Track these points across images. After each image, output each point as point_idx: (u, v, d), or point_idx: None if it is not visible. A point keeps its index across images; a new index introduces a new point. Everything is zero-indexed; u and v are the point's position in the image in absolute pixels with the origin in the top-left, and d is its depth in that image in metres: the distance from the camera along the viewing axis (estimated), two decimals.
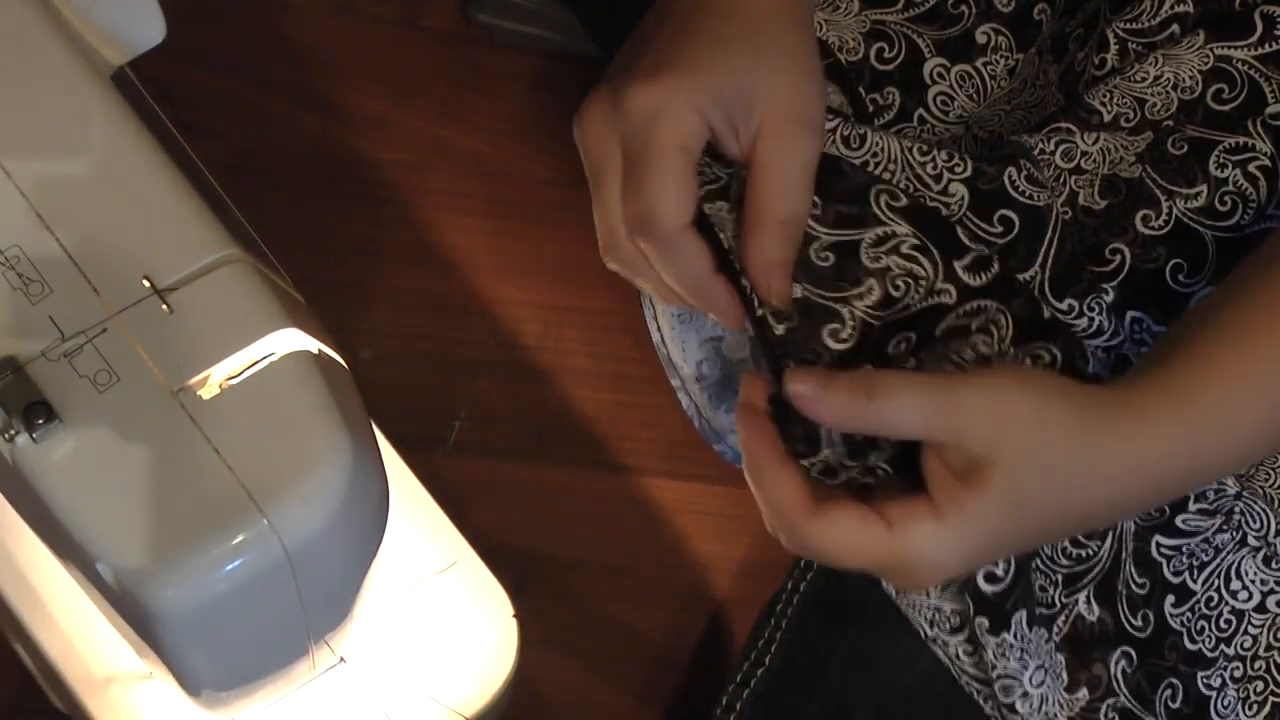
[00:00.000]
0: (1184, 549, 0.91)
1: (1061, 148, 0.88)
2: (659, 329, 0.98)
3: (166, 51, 0.96)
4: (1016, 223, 0.87)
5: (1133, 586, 0.90)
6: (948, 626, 0.92)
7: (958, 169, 0.88)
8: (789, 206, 0.83)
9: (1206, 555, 0.91)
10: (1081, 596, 0.89)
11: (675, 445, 1.26)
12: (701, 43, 0.83)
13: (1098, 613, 0.90)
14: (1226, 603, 0.91)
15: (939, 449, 0.80)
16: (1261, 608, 0.92)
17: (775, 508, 0.82)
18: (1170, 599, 0.91)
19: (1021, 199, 0.87)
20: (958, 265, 0.85)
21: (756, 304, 0.84)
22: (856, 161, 0.87)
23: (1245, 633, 0.92)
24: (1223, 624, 0.92)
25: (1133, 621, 0.90)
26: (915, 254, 0.85)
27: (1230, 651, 0.92)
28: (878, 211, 0.86)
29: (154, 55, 0.94)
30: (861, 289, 0.84)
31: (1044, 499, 0.80)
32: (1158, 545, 0.91)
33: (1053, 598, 0.90)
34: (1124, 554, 0.90)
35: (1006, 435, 0.79)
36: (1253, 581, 0.91)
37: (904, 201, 0.86)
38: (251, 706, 0.93)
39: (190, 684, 0.88)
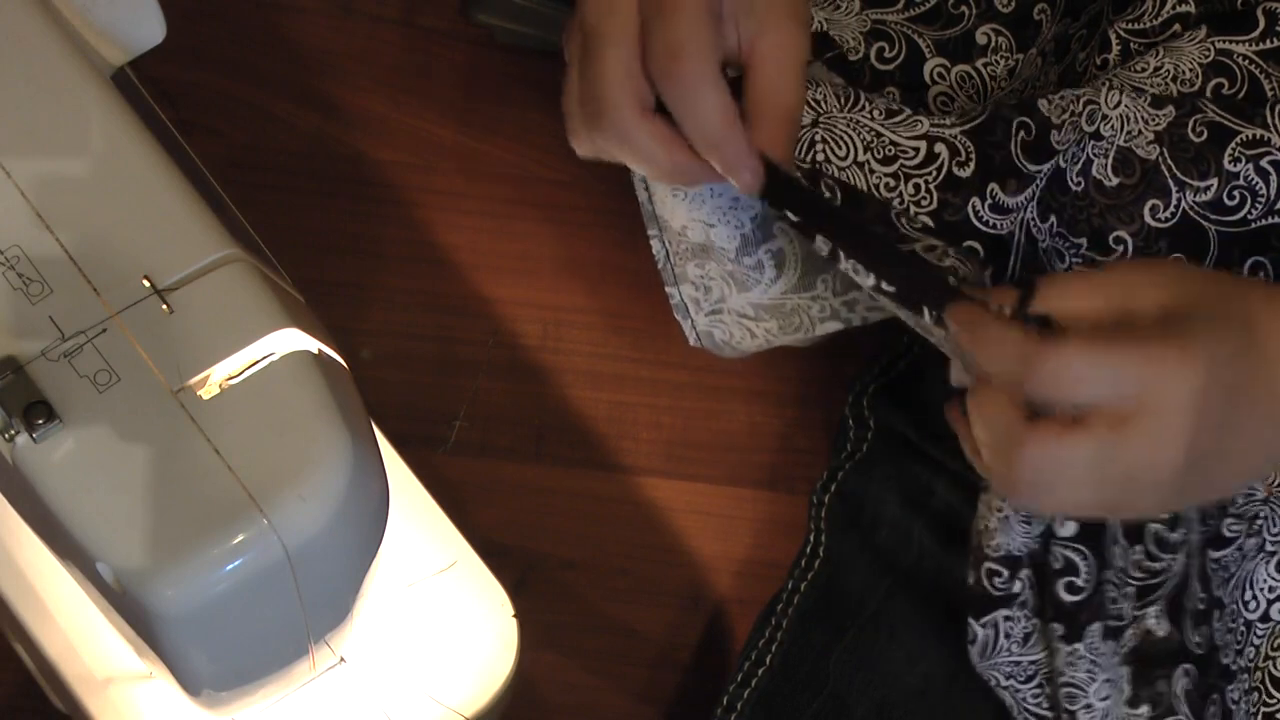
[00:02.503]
0: (1222, 560, 0.90)
1: (1088, 109, 0.88)
2: (646, 189, 0.95)
3: (166, 51, 0.96)
4: (981, 252, 0.87)
5: (1197, 602, 0.90)
6: (1023, 676, 0.92)
7: (923, 202, 0.88)
8: (790, 97, 0.83)
9: (1235, 566, 0.91)
10: (1152, 610, 0.89)
11: (675, 445, 1.26)
12: None
13: (1167, 628, 0.89)
14: (1241, 615, 0.91)
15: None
16: (1265, 617, 0.91)
17: (993, 423, 0.80)
18: (1216, 614, 0.90)
19: (984, 229, 0.88)
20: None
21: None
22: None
23: (1251, 644, 0.92)
24: (1238, 637, 0.92)
25: (1194, 639, 0.90)
26: (962, 258, 0.87)
27: (1242, 663, 0.92)
28: (908, 232, 0.87)
29: (154, 55, 0.94)
30: (946, 266, 0.86)
31: (1240, 345, 0.78)
32: (1210, 559, 0.90)
33: (1123, 610, 0.89)
34: (1192, 569, 0.90)
35: (1184, 291, 0.78)
36: (1262, 589, 0.91)
37: (920, 224, 0.87)
38: (251, 706, 0.93)
39: (190, 684, 0.88)
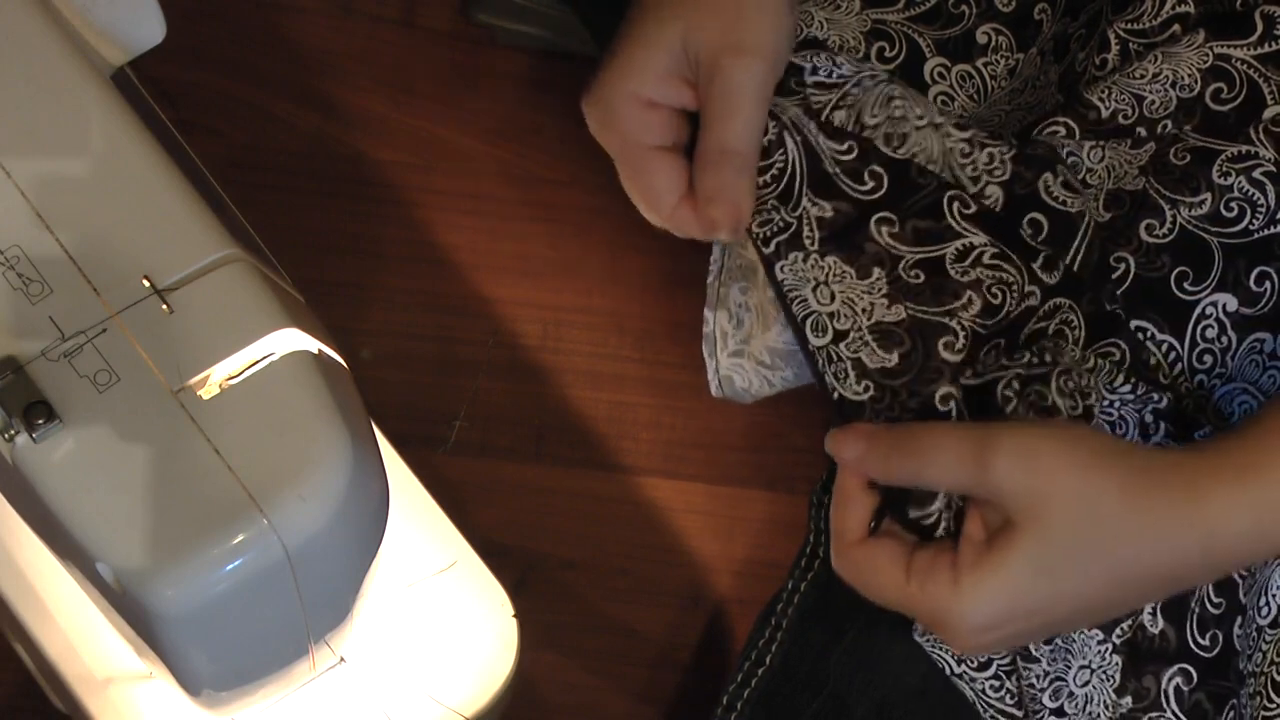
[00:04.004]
0: (1253, 568, 0.90)
1: (1070, 160, 0.88)
2: None
3: (166, 51, 0.96)
4: (1045, 227, 0.87)
5: (1207, 606, 0.89)
6: (974, 664, 0.92)
7: (996, 172, 0.88)
8: (725, 136, 0.86)
9: (1261, 573, 0.90)
10: (1149, 608, 0.89)
11: (675, 445, 1.26)
12: (635, 26, 0.87)
13: (1161, 626, 0.89)
14: (1255, 621, 0.91)
15: (980, 505, 0.81)
16: (1275, 623, 0.91)
17: (835, 527, 0.84)
18: (1238, 620, 0.90)
19: (1054, 204, 0.87)
20: (1035, 266, 0.86)
21: (860, 340, 0.85)
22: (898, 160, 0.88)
23: (1259, 649, 0.91)
24: (1249, 642, 0.91)
25: (1200, 641, 0.89)
26: (998, 262, 0.86)
27: (1250, 668, 0.92)
28: (952, 223, 0.87)
29: (154, 55, 0.94)
30: (962, 301, 0.85)
31: (1082, 569, 0.79)
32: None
33: None
34: None
35: (1038, 502, 0.79)
36: (1275, 595, 0.90)
37: (974, 209, 0.87)
38: (251, 706, 0.93)
39: (190, 684, 0.88)
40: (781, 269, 0.87)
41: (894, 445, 0.82)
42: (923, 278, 0.86)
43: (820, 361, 0.87)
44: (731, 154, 0.86)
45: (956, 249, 0.87)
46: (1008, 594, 0.80)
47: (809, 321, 0.87)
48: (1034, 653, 0.90)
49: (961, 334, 0.86)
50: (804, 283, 0.87)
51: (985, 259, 0.87)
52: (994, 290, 0.86)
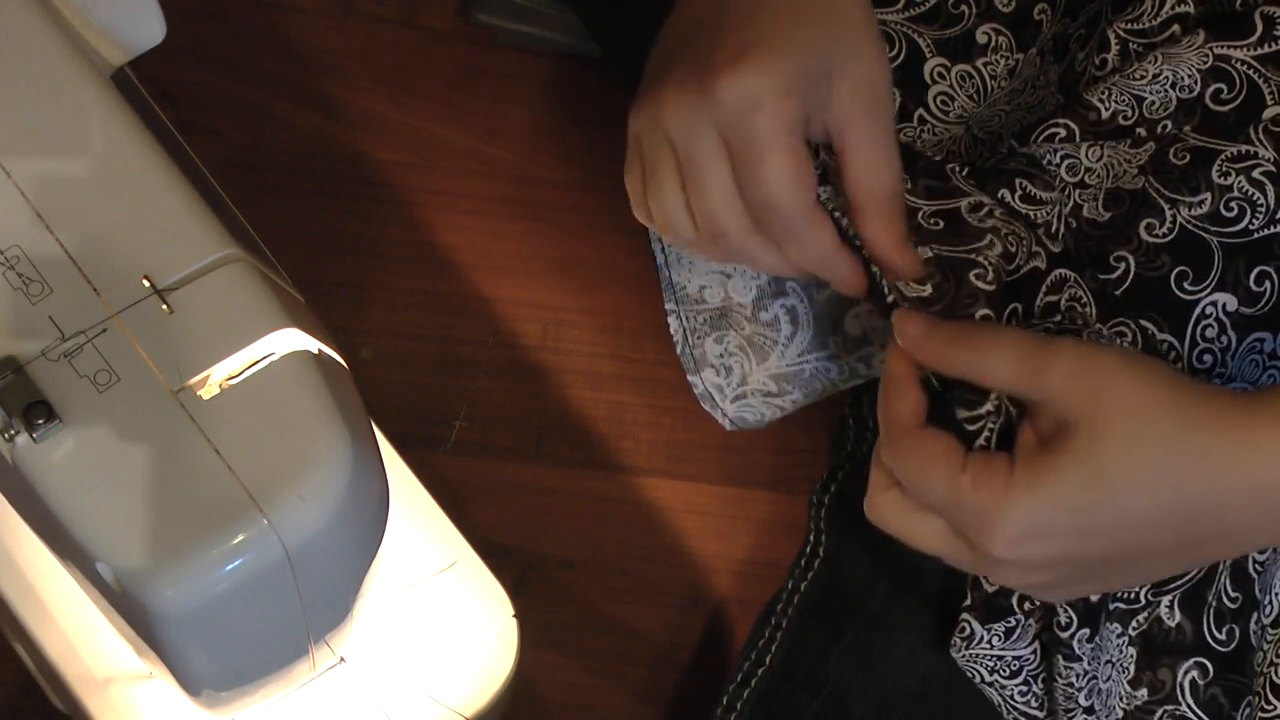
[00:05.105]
0: (1265, 562, 0.90)
1: (1066, 162, 0.88)
2: (663, 250, 0.98)
3: (166, 51, 0.96)
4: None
5: (1224, 600, 0.89)
6: (1007, 672, 0.92)
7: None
8: (891, 180, 0.84)
9: (1270, 570, 0.91)
10: (1165, 600, 0.89)
11: (675, 445, 1.26)
12: (781, 23, 0.82)
13: (1178, 619, 0.89)
14: (1260, 620, 0.91)
15: (1034, 412, 0.80)
16: (1277, 622, 0.91)
17: (888, 413, 0.83)
18: (1255, 615, 0.90)
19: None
20: (1038, 231, 0.87)
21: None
22: None
23: (1260, 649, 0.91)
24: (1256, 639, 0.91)
25: (1216, 635, 0.89)
26: (1008, 218, 0.87)
27: (1254, 666, 0.92)
28: (958, 184, 0.87)
29: (154, 55, 0.94)
30: (984, 242, 0.86)
31: (1132, 486, 0.78)
32: (1252, 560, 0.90)
33: (1136, 593, 0.89)
34: (1221, 567, 0.89)
35: (1096, 405, 0.78)
36: (1278, 593, 0.91)
37: (965, 170, 0.87)
38: (251, 706, 0.93)
39: (190, 684, 0.88)
40: (824, 192, 0.86)
41: (955, 333, 0.82)
42: (942, 225, 0.86)
43: (870, 264, 0.87)
44: (898, 196, 0.85)
45: (969, 203, 0.87)
46: (1056, 501, 0.78)
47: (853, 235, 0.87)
48: (1077, 651, 0.90)
49: (990, 269, 0.86)
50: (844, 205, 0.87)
51: (996, 213, 0.87)
52: (1010, 237, 0.86)
